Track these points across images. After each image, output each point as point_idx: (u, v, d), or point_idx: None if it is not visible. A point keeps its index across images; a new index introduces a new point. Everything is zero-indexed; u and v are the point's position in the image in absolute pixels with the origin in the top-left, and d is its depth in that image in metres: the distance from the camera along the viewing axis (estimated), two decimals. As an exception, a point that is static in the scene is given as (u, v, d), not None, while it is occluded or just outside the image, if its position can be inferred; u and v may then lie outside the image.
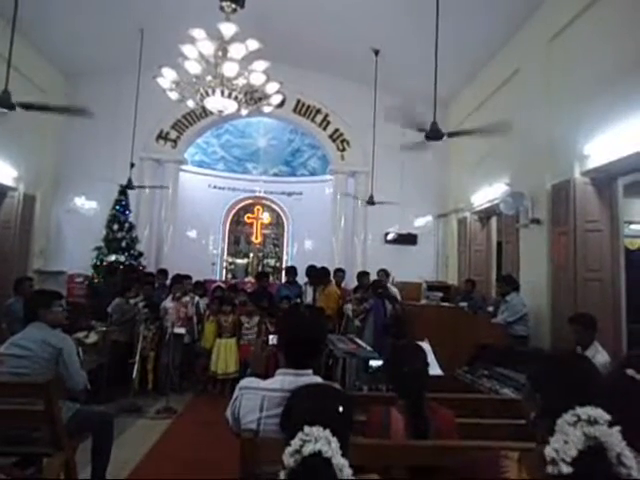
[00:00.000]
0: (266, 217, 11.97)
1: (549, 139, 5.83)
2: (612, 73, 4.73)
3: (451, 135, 5.39)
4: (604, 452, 0.94)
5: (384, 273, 7.15)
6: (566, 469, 0.93)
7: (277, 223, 12.06)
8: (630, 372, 2.10)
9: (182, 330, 5.69)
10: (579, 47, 5.38)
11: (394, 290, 6.89)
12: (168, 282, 6.68)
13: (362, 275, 6.80)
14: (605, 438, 0.95)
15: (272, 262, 11.82)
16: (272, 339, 5.09)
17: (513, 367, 3.80)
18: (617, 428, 0.97)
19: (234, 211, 11.80)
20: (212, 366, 5.89)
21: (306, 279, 6.85)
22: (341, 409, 1.18)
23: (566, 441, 0.96)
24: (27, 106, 5.04)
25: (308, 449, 0.99)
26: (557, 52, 5.82)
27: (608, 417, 0.98)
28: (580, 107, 5.22)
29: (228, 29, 4.41)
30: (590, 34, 5.17)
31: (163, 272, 7.30)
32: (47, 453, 2.55)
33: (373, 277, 6.90)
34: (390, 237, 9.58)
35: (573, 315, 3.90)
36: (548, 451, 0.97)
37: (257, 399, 1.69)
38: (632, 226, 6.95)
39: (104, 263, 8.03)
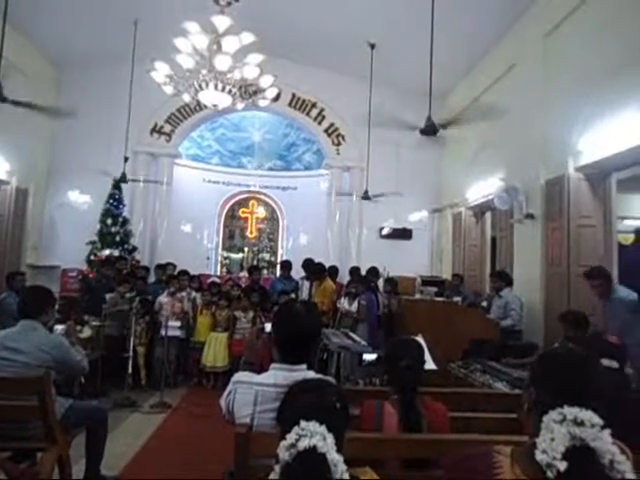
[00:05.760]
0: (261, 211, 11.93)
1: (544, 134, 5.84)
2: (606, 69, 4.74)
3: (442, 127, 5.33)
4: (592, 453, 0.92)
5: (374, 272, 7.06)
6: (562, 466, 0.91)
7: (272, 217, 12.02)
8: (606, 362, 2.05)
9: (177, 324, 5.69)
10: (574, 43, 5.39)
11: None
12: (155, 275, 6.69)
13: (353, 270, 6.83)
14: (594, 442, 0.92)
15: (267, 257, 11.79)
16: (268, 327, 5.09)
17: (507, 362, 3.83)
18: (607, 431, 0.94)
19: (229, 205, 11.75)
20: (202, 359, 5.93)
21: (302, 274, 6.85)
22: (338, 405, 1.18)
23: (552, 438, 0.94)
24: (17, 103, 5.01)
25: (303, 444, 0.99)
26: (552, 48, 5.82)
27: (599, 421, 0.95)
28: (574, 103, 5.23)
29: (222, 22, 4.39)
30: (585, 30, 5.18)
31: (162, 267, 7.30)
32: (41, 448, 2.54)
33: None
34: (385, 232, 9.58)
35: (564, 312, 3.91)
36: (539, 456, 0.95)
37: (251, 394, 1.70)
38: (626, 222, 6.96)
39: (98, 257, 7.99)
